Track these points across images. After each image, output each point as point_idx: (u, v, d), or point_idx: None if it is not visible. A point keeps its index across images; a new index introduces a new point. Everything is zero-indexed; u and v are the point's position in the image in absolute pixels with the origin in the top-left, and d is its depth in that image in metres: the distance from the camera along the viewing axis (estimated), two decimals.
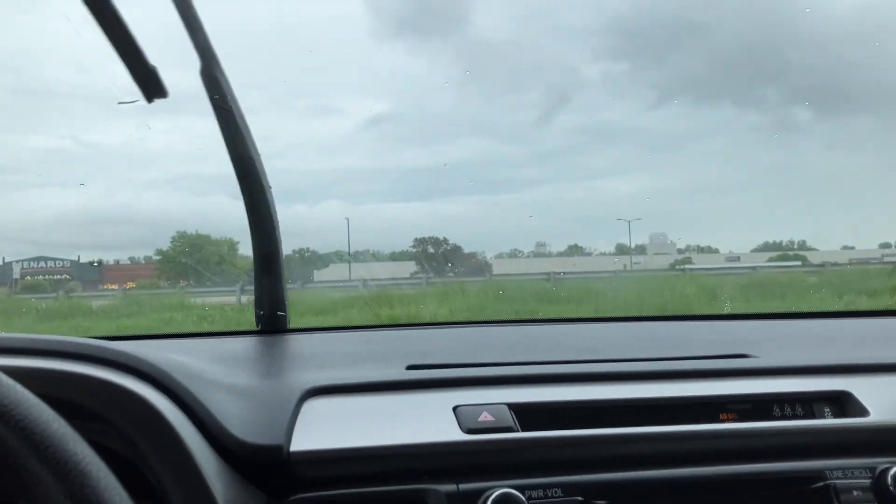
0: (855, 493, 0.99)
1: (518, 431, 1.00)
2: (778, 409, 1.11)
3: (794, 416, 1.10)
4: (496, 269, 10.28)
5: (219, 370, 1.11)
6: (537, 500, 0.92)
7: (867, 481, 1.00)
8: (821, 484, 0.99)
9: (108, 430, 0.86)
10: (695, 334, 1.58)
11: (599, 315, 1.68)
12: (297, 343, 1.44)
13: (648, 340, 1.50)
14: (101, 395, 0.85)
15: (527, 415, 1.02)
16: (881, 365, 1.21)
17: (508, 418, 1.01)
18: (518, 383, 1.10)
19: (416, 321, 1.50)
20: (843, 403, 1.12)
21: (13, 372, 0.84)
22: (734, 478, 1.00)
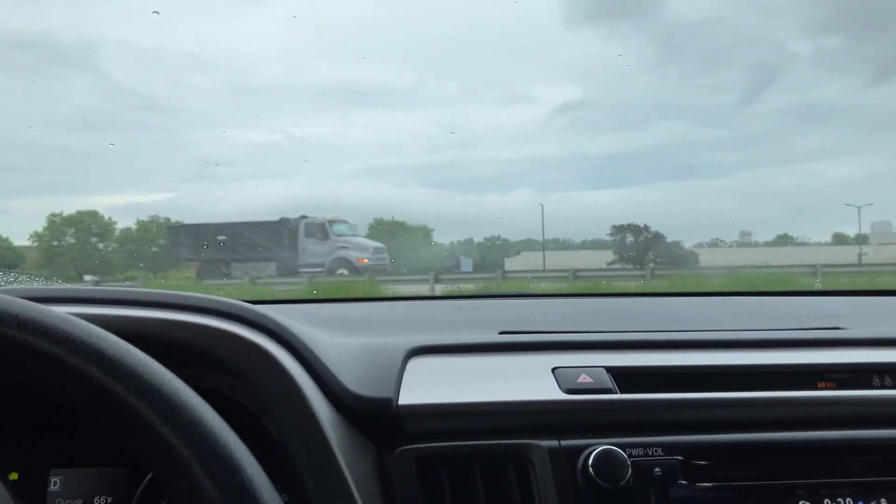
0: None
1: (617, 393, 1.02)
2: (877, 379, 1.10)
3: (893, 386, 1.09)
4: (704, 261, 9.74)
5: (323, 331, 1.17)
6: (638, 458, 0.94)
7: None
8: None
9: (232, 381, 0.92)
10: (787, 309, 1.57)
11: (690, 290, 1.67)
12: (397, 309, 1.49)
13: (742, 314, 1.50)
14: (228, 345, 0.91)
15: (624, 378, 1.05)
16: None
17: (607, 380, 1.03)
18: (613, 348, 1.12)
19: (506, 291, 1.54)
20: None
21: (151, 322, 0.91)
22: (835, 443, 1.00)
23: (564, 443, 0.96)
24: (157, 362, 0.66)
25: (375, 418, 0.98)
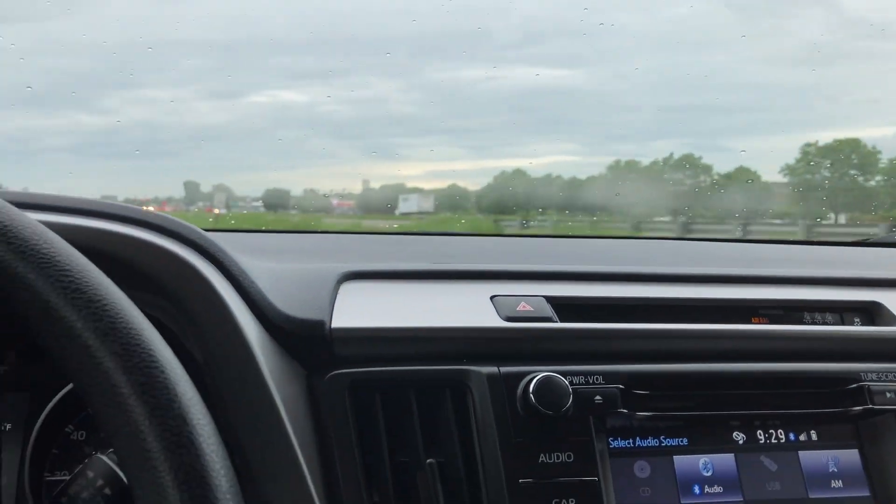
0: (888, 394, 1.00)
1: (556, 322, 1.00)
2: (808, 317, 1.12)
3: (825, 323, 1.11)
4: None
5: (254, 257, 1.11)
6: (579, 386, 0.92)
7: None
8: (855, 385, 1.00)
9: (156, 299, 0.84)
10: (723, 253, 1.58)
11: (633, 234, 1.68)
12: (331, 240, 1.44)
13: (680, 256, 1.52)
14: (151, 257, 0.83)
15: (564, 308, 1.02)
16: None
17: (547, 309, 1.01)
18: (554, 279, 1.10)
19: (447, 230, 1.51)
20: (872, 314, 1.13)
21: (72, 229, 0.82)
22: (769, 374, 1.00)
23: (504, 369, 0.93)
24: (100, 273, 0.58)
25: (307, 341, 0.92)
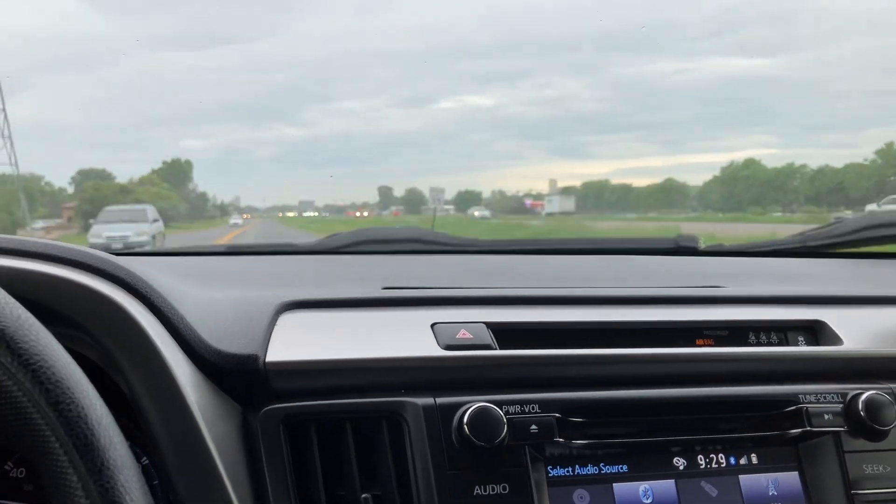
0: (826, 416, 1.00)
1: (496, 349, 0.99)
2: (753, 337, 1.12)
3: (770, 343, 1.11)
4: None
5: (191, 283, 1.09)
6: (514, 416, 0.92)
7: (838, 406, 1.01)
8: (793, 408, 1.00)
9: (79, 335, 0.83)
10: (670, 266, 1.58)
11: (580, 247, 1.67)
12: (273, 263, 1.42)
13: (628, 272, 1.51)
14: (71, 296, 0.82)
15: (504, 334, 1.02)
16: (853, 297, 1.23)
17: (486, 336, 1.00)
18: (495, 304, 1.09)
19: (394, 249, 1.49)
20: (816, 332, 1.13)
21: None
22: (710, 400, 1.00)
23: (440, 400, 0.92)
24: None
25: (240, 376, 0.91)
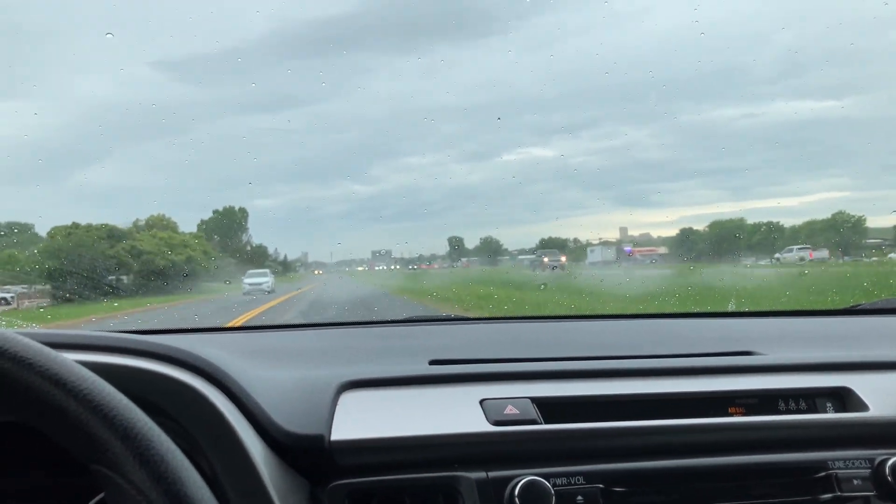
0: (855, 482, 1.06)
1: (541, 423, 1.07)
2: (783, 404, 1.17)
3: (798, 411, 1.17)
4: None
5: (257, 363, 1.18)
6: (561, 487, 0.99)
7: (867, 471, 1.07)
8: (823, 474, 1.06)
9: (165, 421, 0.93)
10: (701, 332, 1.65)
11: (612, 312, 1.75)
12: (323, 338, 1.51)
13: (658, 337, 1.57)
14: (158, 388, 0.92)
15: (549, 408, 1.09)
16: (880, 363, 1.28)
17: (532, 411, 1.08)
18: (538, 378, 1.17)
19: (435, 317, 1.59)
20: (843, 399, 1.18)
21: (90, 365, 0.91)
22: (743, 468, 1.06)
23: (492, 474, 1.00)
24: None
25: (308, 454, 1.00)
